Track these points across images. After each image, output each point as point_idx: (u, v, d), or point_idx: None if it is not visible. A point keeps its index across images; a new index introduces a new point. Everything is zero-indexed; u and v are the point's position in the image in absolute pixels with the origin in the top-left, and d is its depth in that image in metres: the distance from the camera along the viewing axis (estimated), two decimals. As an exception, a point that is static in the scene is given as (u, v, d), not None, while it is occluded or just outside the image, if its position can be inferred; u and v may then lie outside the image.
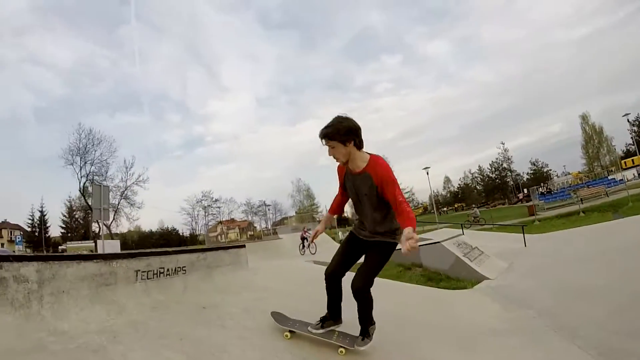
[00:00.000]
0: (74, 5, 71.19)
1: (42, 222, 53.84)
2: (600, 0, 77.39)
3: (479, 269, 7.44)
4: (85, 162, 46.31)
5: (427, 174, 42.23)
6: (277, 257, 16.42)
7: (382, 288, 5.89)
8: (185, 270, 3.85)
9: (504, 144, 64.13)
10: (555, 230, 16.37)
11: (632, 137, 52.12)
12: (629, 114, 33.62)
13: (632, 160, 40.69)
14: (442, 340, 3.51)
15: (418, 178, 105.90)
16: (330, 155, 2.85)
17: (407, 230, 2.42)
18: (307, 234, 22.47)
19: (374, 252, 2.97)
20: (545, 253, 9.32)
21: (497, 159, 67.64)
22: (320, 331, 3.10)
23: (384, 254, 2.97)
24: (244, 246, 5.61)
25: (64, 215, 55.17)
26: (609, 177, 38.22)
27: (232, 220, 71.16)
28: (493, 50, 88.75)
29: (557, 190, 39.18)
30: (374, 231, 2.97)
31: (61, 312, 2.70)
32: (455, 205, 69.57)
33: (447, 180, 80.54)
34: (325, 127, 2.77)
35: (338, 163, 2.95)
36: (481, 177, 72.24)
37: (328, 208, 3.37)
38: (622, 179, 36.91)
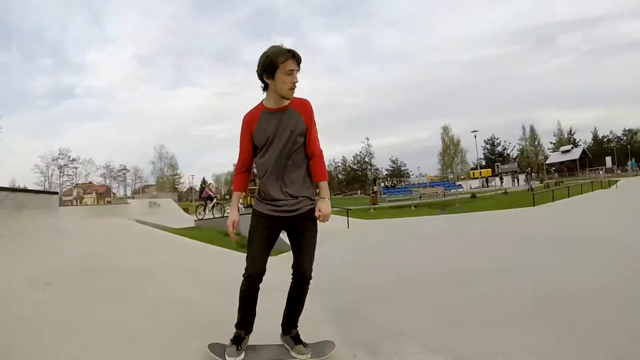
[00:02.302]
0: None
1: None
2: (488, 35, 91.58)
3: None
4: None
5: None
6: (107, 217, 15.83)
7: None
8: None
9: (368, 139, 68.12)
10: (387, 218, 19.04)
11: (484, 154, 64.07)
12: (477, 131, 39.69)
13: (480, 172, 47.43)
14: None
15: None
16: (296, 81, 2.17)
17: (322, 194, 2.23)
18: (211, 192, 18.25)
19: (307, 226, 2.28)
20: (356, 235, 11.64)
21: (360, 152, 72.52)
22: (242, 357, 2.23)
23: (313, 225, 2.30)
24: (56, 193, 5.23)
25: None
26: (456, 183, 44.35)
27: (90, 184, 63.29)
28: (387, 55, 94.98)
29: (402, 185, 44.61)
30: (297, 194, 2.25)
31: None
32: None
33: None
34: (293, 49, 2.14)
35: (246, 112, 2.28)
36: (343, 167, 77.98)
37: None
38: (460, 184, 42.91)
